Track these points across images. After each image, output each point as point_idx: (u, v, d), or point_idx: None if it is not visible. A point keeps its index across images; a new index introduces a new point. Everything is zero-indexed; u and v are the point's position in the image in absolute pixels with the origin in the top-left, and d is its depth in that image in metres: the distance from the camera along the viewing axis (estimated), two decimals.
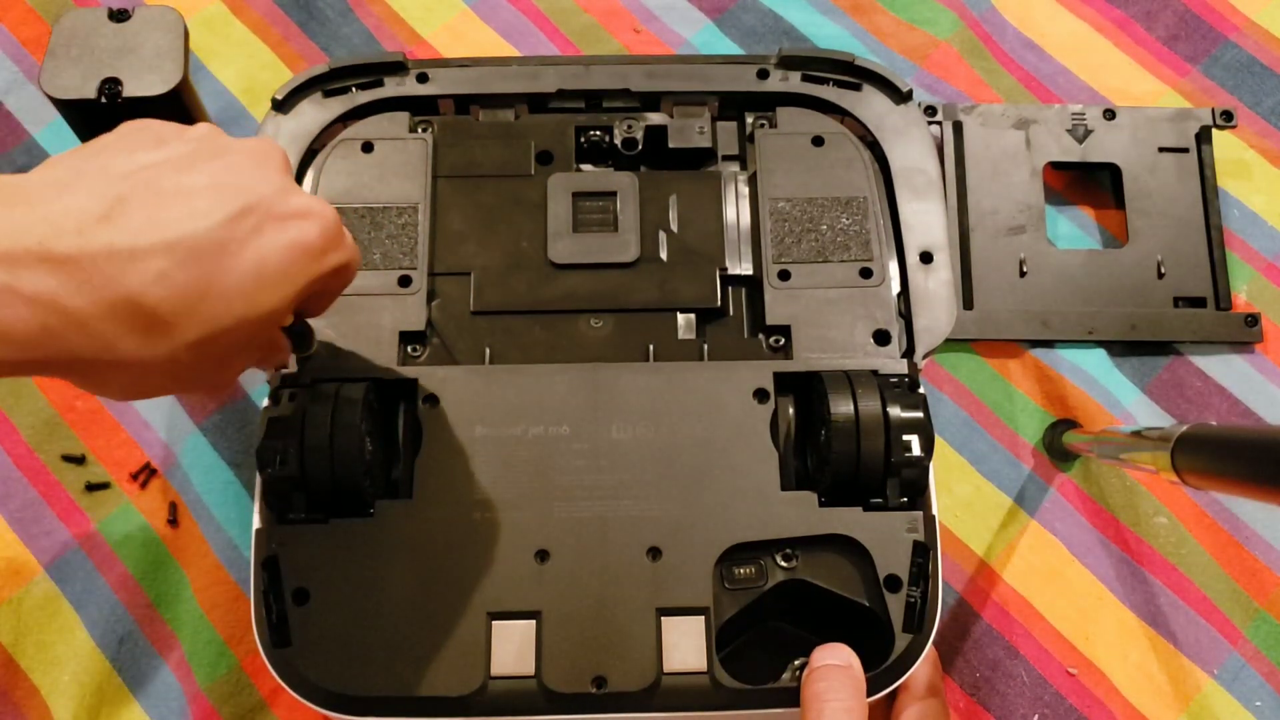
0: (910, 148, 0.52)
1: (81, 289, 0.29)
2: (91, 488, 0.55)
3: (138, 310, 0.30)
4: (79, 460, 0.56)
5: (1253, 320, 0.59)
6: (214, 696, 0.51)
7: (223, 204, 0.32)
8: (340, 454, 0.42)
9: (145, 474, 0.55)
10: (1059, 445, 0.56)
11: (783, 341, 0.49)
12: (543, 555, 0.43)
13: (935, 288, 0.49)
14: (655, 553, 0.43)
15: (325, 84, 0.53)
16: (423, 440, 0.45)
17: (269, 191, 0.33)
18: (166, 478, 0.55)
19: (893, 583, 0.43)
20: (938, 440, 0.56)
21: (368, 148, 0.51)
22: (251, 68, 0.66)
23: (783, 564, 0.44)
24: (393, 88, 0.53)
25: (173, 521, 0.54)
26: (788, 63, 0.54)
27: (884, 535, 0.43)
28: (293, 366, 0.46)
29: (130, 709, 0.51)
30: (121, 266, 0.29)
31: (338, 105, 0.53)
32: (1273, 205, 0.63)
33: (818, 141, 0.52)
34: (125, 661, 0.52)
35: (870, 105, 0.53)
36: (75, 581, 0.53)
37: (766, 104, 0.54)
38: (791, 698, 0.41)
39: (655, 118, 0.54)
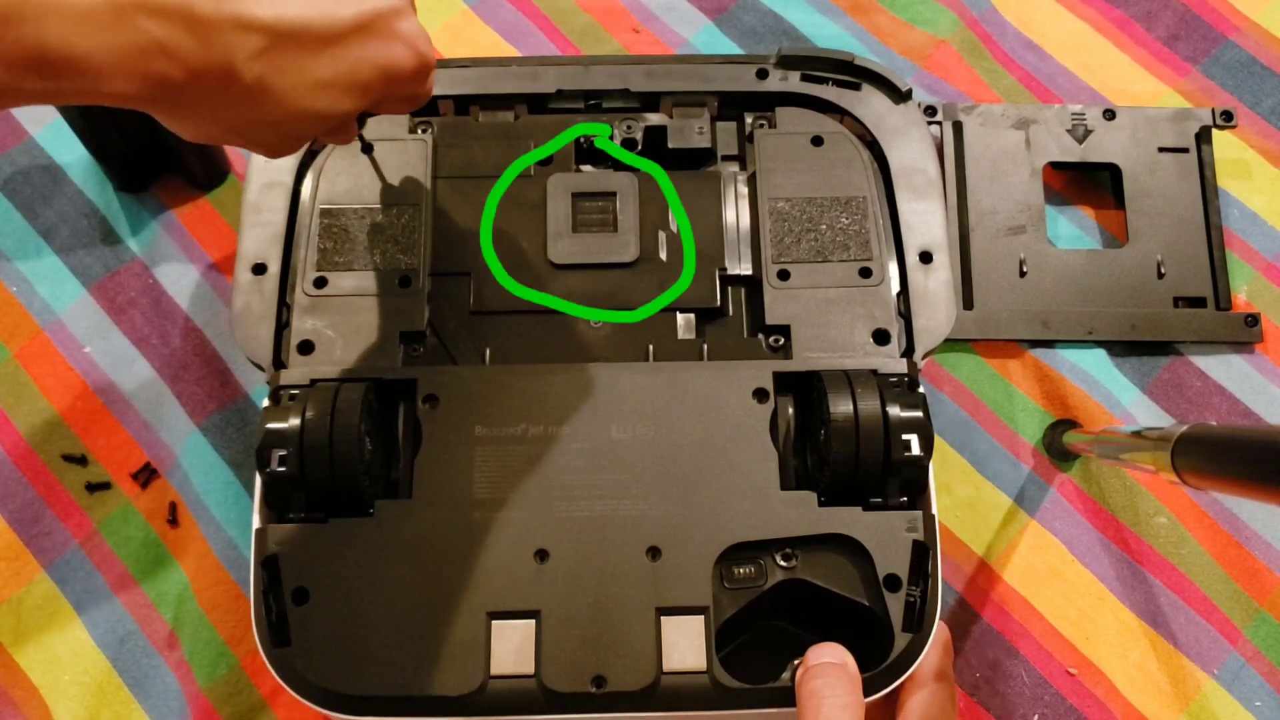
0: (910, 147, 0.52)
1: (208, 51, 0.32)
2: (92, 488, 0.55)
3: (236, 80, 0.33)
4: (79, 460, 0.56)
5: (1253, 320, 0.59)
6: (214, 696, 0.51)
7: (343, 5, 0.35)
8: (339, 454, 0.42)
9: (145, 474, 0.55)
10: (1059, 445, 0.56)
11: (782, 341, 0.49)
12: (542, 555, 0.43)
13: (935, 287, 0.49)
14: (655, 552, 0.43)
15: None
16: (422, 440, 0.45)
17: (387, 7, 0.37)
18: (166, 478, 0.55)
19: (892, 582, 0.43)
20: (938, 440, 0.56)
21: (368, 148, 0.51)
22: None
23: (782, 563, 0.44)
24: None
25: (173, 521, 0.54)
26: (787, 63, 0.54)
27: (883, 535, 0.43)
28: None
29: (131, 709, 0.51)
30: (237, 36, 0.33)
31: None
32: (1273, 205, 0.63)
33: (817, 141, 0.52)
34: (125, 661, 0.52)
35: (870, 105, 0.53)
36: (75, 581, 0.54)
37: (766, 104, 0.54)
38: (791, 697, 0.41)
39: (655, 118, 0.54)
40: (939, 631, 0.43)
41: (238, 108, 0.35)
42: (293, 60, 0.34)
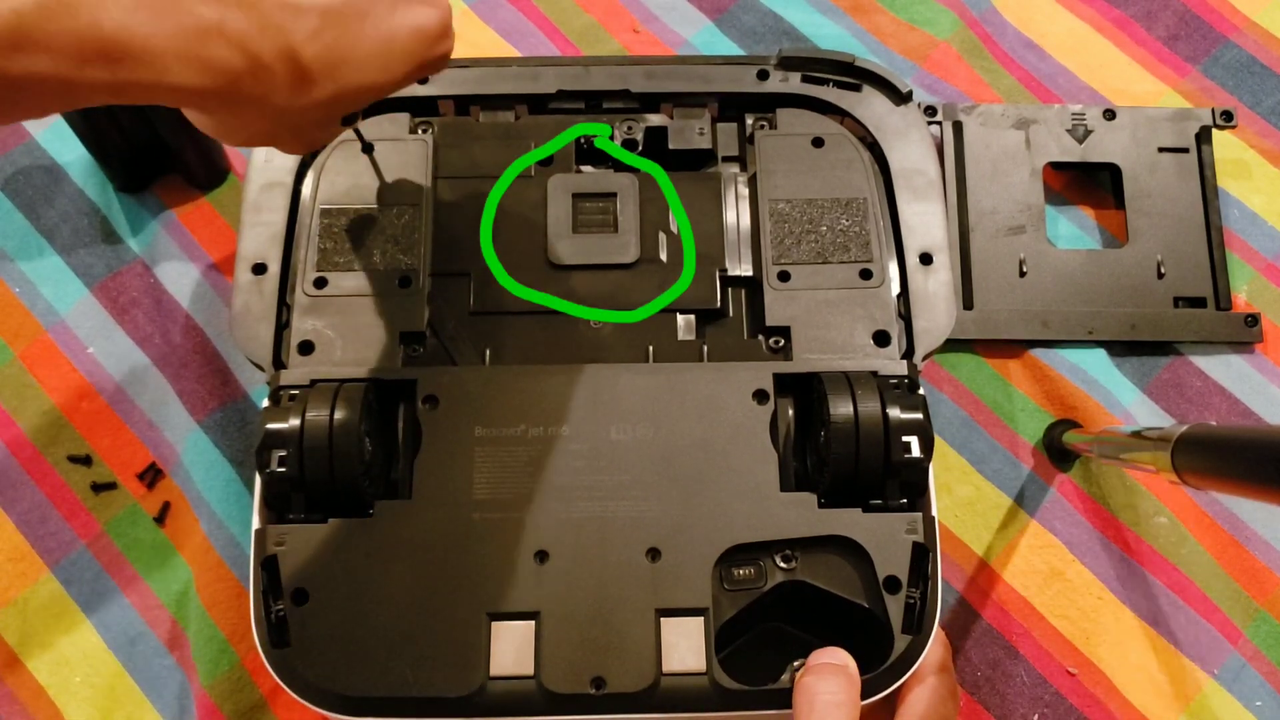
0: (910, 149, 0.52)
1: (264, 34, 0.33)
2: (98, 488, 0.55)
3: (296, 63, 0.35)
4: (84, 461, 0.56)
5: (1253, 320, 0.59)
6: (215, 693, 0.51)
7: None
8: (339, 454, 0.42)
9: (151, 475, 0.56)
10: (1059, 445, 0.56)
11: (782, 342, 0.49)
12: (542, 556, 0.43)
13: (935, 289, 0.49)
14: (654, 553, 0.43)
15: None
16: (422, 440, 0.45)
17: None
18: (170, 475, 0.56)
19: (892, 584, 0.43)
20: (938, 440, 0.56)
21: (368, 148, 0.51)
22: None
23: (782, 565, 0.44)
24: None
25: (159, 520, 0.55)
26: (788, 63, 0.54)
27: (883, 536, 0.43)
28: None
29: (137, 707, 0.51)
30: (291, 17, 0.34)
31: None
32: (1273, 205, 0.63)
33: (817, 143, 0.52)
34: (137, 662, 0.52)
35: (870, 106, 0.53)
36: (82, 582, 0.54)
37: (766, 105, 0.54)
38: (790, 699, 0.41)
39: (655, 119, 0.54)
40: (934, 631, 0.43)
41: (293, 95, 0.36)
42: (342, 35, 0.36)
